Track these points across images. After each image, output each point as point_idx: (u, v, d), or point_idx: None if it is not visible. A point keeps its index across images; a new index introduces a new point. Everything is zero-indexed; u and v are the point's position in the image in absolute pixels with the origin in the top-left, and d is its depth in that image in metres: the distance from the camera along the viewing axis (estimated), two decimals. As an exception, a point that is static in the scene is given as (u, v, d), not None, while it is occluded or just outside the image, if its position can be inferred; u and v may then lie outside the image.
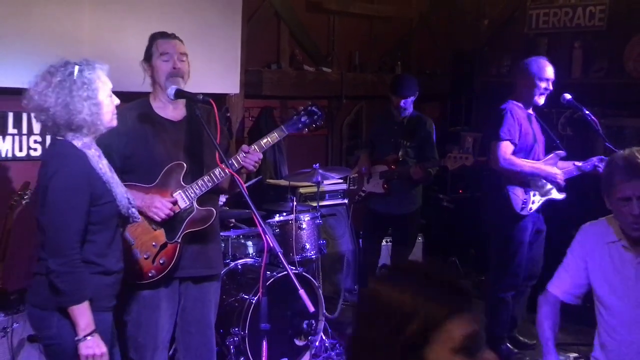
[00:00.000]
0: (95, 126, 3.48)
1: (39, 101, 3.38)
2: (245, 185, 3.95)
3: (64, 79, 3.39)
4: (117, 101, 3.63)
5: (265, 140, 4.26)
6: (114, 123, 3.64)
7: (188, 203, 4.11)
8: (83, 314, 3.38)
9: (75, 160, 3.42)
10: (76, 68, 3.43)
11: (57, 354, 3.54)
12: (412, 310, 1.74)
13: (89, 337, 3.39)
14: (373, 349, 1.79)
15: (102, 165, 3.53)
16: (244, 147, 4.21)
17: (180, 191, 4.10)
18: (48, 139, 5.68)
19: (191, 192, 4.10)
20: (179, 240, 4.12)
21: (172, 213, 4.03)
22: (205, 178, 4.12)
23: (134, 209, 3.74)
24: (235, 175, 3.97)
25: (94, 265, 3.49)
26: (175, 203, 4.06)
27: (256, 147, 4.22)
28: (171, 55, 4.12)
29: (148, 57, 4.18)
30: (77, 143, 3.46)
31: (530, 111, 5.91)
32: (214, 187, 4.20)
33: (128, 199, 3.67)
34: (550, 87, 5.79)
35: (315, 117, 4.37)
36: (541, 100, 5.81)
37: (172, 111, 4.24)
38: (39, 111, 3.40)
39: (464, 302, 1.79)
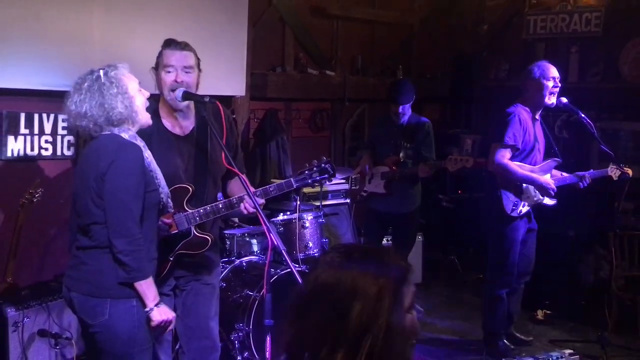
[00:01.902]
0: (133, 118, 3.59)
1: (76, 110, 3.51)
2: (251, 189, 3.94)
3: (92, 83, 3.52)
4: (147, 94, 3.71)
5: (272, 189, 4.18)
6: (150, 121, 3.71)
7: (186, 226, 4.02)
8: (150, 287, 3.55)
9: (130, 148, 3.52)
10: (101, 72, 3.56)
11: (109, 340, 3.58)
12: (378, 288, 1.84)
13: (159, 305, 3.58)
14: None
15: (148, 155, 3.64)
16: (250, 188, 4.06)
17: (182, 214, 4.00)
18: (59, 139, 5.78)
19: (191, 218, 4.01)
20: (171, 259, 4.06)
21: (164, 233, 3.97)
22: (208, 208, 4.03)
23: (169, 200, 3.82)
24: (241, 175, 3.94)
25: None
26: (171, 225, 3.97)
27: (262, 193, 4.13)
28: (175, 67, 4.00)
29: (156, 67, 4.09)
30: (125, 135, 3.55)
31: (537, 116, 5.90)
32: (215, 218, 4.14)
33: (167, 192, 3.78)
34: (558, 84, 5.77)
35: (327, 175, 4.23)
36: (552, 99, 5.76)
37: (180, 123, 4.15)
38: (80, 118, 3.51)
39: (407, 271, 1.92)
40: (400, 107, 6.44)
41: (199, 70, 4.14)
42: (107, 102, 3.48)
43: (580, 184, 5.88)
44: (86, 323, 3.63)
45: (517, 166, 5.75)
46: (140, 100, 3.62)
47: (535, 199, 5.86)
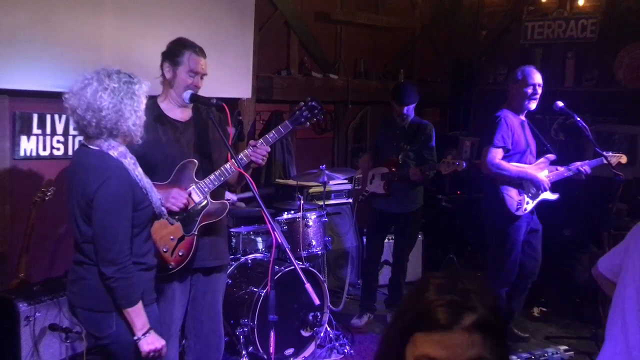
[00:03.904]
0: (134, 136, 3.44)
1: (91, 100, 3.28)
2: (256, 189, 3.93)
3: (120, 86, 3.34)
4: (144, 117, 3.54)
5: (271, 135, 4.27)
6: (140, 141, 3.56)
7: (202, 197, 4.10)
8: (139, 315, 3.39)
9: (117, 172, 3.35)
10: (129, 78, 3.41)
11: (119, 349, 3.49)
12: (412, 305, 1.68)
13: (147, 335, 3.42)
14: (392, 324, 1.75)
15: (138, 173, 3.46)
16: (252, 142, 4.22)
17: (193, 186, 4.08)
18: (70, 139, 5.77)
19: (204, 187, 4.10)
20: (196, 233, 4.11)
21: (187, 202, 4.02)
22: (217, 173, 4.13)
23: (163, 208, 3.73)
24: (246, 175, 3.93)
25: (137, 264, 3.44)
26: (189, 195, 4.05)
27: (263, 142, 4.23)
28: (198, 74, 4.15)
29: (174, 62, 4.12)
30: (113, 153, 3.37)
31: (523, 117, 5.90)
32: (225, 181, 4.23)
33: (160, 199, 3.65)
34: (538, 91, 5.77)
35: (316, 110, 4.38)
36: (532, 105, 5.80)
37: (180, 113, 4.23)
38: (87, 109, 3.29)
39: (447, 324, 1.61)
40: (405, 107, 6.40)
41: None
42: (124, 112, 3.32)
43: (582, 175, 5.86)
44: (94, 336, 3.52)
45: (510, 164, 5.74)
46: (143, 120, 3.49)
47: (536, 191, 5.85)
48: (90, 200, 3.31)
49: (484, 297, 1.66)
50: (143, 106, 3.47)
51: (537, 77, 5.78)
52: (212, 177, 4.12)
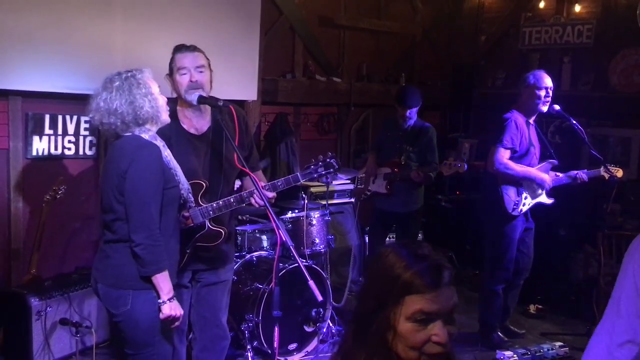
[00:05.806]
0: (157, 118, 3.59)
1: (105, 106, 3.50)
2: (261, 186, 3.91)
3: (122, 83, 3.53)
4: (164, 97, 3.69)
5: (280, 182, 4.15)
6: (168, 119, 3.70)
7: (201, 220, 3.99)
8: (165, 281, 3.52)
9: (149, 148, 3.51)
10: (129, 73, 3.57)
11: (132, 329, 3.58)
12: (397, 276, 1.92)
13: (172, 300, 3.54)
14: (365, 297, 2.02)
15: (168, 154, 3.63)
16: (261, 184, 4.07)
17: (196, 208, 3.96)
18: (81, 139, 5.77)
19: (205, 212, 3.97)
20: (188, 251, 4.03)
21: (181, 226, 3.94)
22: (221, 202, 4.00)
23: (190, 195, 3.81)
24: (251, 174, 3.92)
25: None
26: (187, 218, 3.95)
27: (270, 186, 4.13)
28: (188, 69, 3.98)
29: (170, 72, 4.07)
30: (145, 136, 3.55)
31: (531, 121, 5.90)
32: (230, 213, 4.15)
33: (188, 188, 3.78)
34: (550, 94, 5.78)
35: (331, 169, 4.19)
36: (544, 107, 5.79)
37: (197, 123, 4.13)
38: (108, 115, 3.50)
39: (435, 284, 1.91)
40: (408, 110, 6.40)
41: (210, 70, 4.12)
42: (136, 101, 3.49)
43: (578, 181, 5.90)
44: (111, 312, 3.64)
45: (515, 165, 5.75)
46: (162, 101, 3.63)
47: (537, 192, 5.86)
48: (124, 173, 3.45)
49: (441, 255, 2.01)
50: (154, 89, 3.61)
51: (549, 81, 5.79)
52: (214, 205, 3.98)
